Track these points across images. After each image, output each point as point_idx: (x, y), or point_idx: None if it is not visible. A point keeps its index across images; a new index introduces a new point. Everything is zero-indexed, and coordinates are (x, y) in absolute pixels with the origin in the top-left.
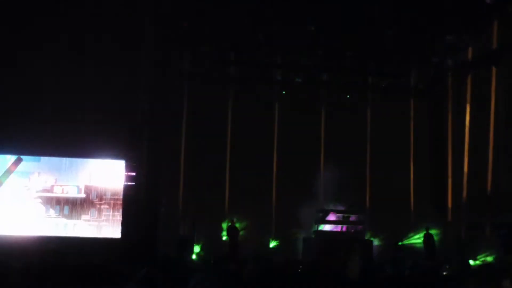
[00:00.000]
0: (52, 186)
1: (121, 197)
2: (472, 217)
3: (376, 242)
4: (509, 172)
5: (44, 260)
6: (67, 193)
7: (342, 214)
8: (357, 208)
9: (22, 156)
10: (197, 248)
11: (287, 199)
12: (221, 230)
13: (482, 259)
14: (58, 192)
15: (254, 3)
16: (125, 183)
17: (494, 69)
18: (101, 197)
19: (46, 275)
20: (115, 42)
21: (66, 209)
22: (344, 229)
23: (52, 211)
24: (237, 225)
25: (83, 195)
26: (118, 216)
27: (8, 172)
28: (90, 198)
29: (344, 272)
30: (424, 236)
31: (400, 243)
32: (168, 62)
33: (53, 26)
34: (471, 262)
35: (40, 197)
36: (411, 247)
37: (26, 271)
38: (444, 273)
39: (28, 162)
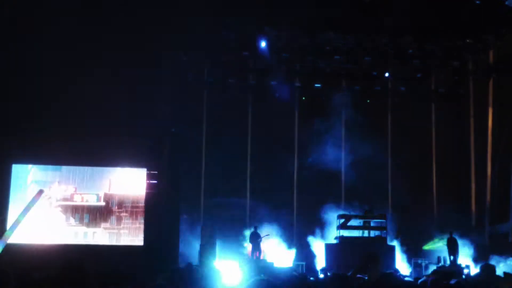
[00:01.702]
0: (72, 194)
1: (141, 205)
2: (495, 221)
3: (399, 247)
4: None
5: (66, 269)
6: (87, 201)
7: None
8: (373, 213)
9: (44, 166)
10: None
11: (308, 205)
12: (243, 237)
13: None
14: (78, 201)
15: (272, 10)
16: (147, 191)
17: None
18: (120, 205)
19: (68, 284)
20: (136, 54)
21: (86, 217)
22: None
23: (72, 220)
24: (259, 231)
25: (102, 203)
26: (138, 224)
27: (34, 201)
28: (110, 206)
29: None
30: (448, 241)
31: (423, 248)
32: (188, 71)
33: (75, 37)
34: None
35: (61, 206)
36: (435, 251)
37: (47, 280)
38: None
39: (49, 172)
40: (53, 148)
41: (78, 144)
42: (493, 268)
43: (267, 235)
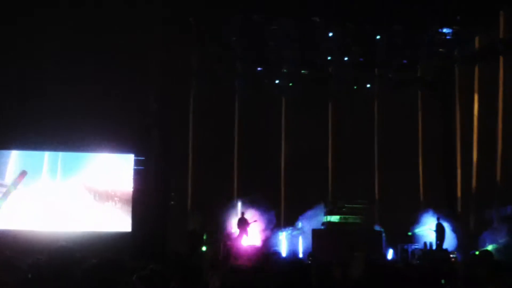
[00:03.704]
0: (60, 180)
1: (130, 191)
2: (481, 208)
3: (385, 233)
4: None
5: (53, 255)
6: (76, 187)
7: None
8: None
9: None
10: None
11: (296, 192)
12: (230, 223)
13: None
14: (67, 187)
15: None
16: (135, 177)
17: (501, 59)
18: (109, 191)
19: (55, 271)
20: (125, 41)
21: (76, 203)
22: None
23: (61, 206)
24: (246, 217)
25: (92, 190)
26: (127, 211)
27: (15, 183)
28: (99, 192)
29: (350, 268)
30: (435, 226)
31: (409, 234)
32: (176, 59)
33: (63, 26)
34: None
35: (49, 192)
36: (421, 237)
37: (35, 267)
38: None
39: (36, 158)
40: (38, 133)
41: (63, 130)
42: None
43: (254, 221)
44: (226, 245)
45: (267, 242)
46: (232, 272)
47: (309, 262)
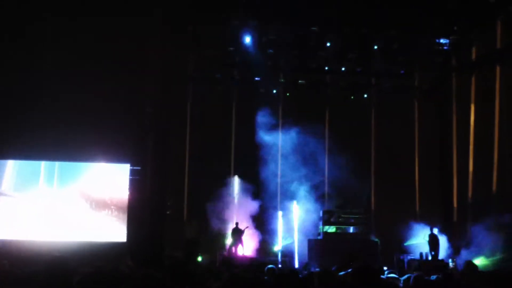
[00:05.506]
0: (57, 189)
1: (126, 200)
2: (477, 217)
3: (381, 243)
4: None
5: (50, 266)
6: (72, 196)
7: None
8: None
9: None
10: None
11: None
12: (225, 232)
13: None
14: (63, 196)
15: (256, 4)
16: (130, 186)
17: (498, 68)
18: (105, 200)
19: (50, 282)
20: (120, 47)
21: (72, 212)
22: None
23: (58, 214)
24: (241, 227)
25: (88, 199)
26: (123, 219)
27: None
28: (95, 200)
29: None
30: (429, 237)
31: (405, 244)
32: (173, 66)
33: (59, 30)
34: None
35: (46, 201)
36: (416, 247)
37: (30, 278)
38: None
39: (32, 167)
40: (34, 143)
41: (60, 139)
42: (475, 265)
43: (246, 227)
44: (223, 254)
45: (262, 251)
46: (231, 281)
47: (305, 272)
